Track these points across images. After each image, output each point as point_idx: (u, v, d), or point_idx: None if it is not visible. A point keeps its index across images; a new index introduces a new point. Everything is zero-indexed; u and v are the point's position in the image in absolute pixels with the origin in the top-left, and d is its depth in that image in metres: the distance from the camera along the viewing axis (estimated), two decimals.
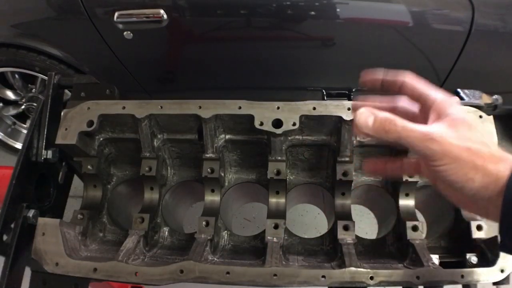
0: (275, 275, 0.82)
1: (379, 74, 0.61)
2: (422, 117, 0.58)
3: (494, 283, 0.83)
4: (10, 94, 2.37)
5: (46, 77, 1.17)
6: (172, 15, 1.75)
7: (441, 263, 0.87)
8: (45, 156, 1.01)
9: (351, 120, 0.93)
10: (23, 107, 2.40)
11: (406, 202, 1.01)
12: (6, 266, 0.87)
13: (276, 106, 0.95)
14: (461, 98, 0.98)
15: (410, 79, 0.59)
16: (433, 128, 0.52)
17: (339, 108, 0.94)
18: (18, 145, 2.52)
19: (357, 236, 0.95)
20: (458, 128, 0.52)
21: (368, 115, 0.54)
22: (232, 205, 1.22)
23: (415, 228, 0.92)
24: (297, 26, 1.81)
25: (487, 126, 0.90)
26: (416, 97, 0.59)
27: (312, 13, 1.74)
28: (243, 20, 1.80)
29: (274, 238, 0.93)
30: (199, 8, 1.78)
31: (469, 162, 0.50)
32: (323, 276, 0.81)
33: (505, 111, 2.36)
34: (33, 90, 2.35)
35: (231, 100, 0.97)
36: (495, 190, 0.49)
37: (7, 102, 2.44)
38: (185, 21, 1.82)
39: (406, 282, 0.81)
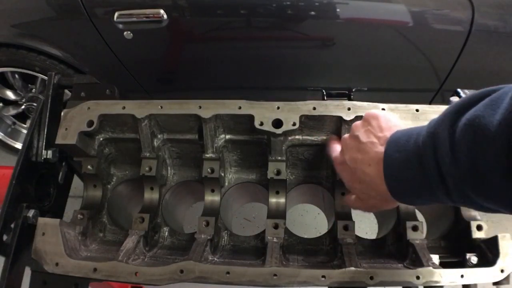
0: (275, 275, 0.82)
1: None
2: None
3: (494, 283, 0.83)
4: (10, 94, 2.37)
5: (46, 77, 1.17)
6: (172, 15, 1.75)
7: (441, 263, 0.87)
8: (45, 156, 1.01)
9: (351, 120, 0.93)
10: (23, 107, 2.40)
11: None
12: (6, 266, 0.87)
13: (276, 106, 0.95)
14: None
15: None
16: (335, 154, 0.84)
17: (339, 108, 0.94)
18: (18, 145, 2.52)
19: (357, 236, 0.95)
20: (343, 152, 0.78)
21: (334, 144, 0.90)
22: (232, 205, 1.22)
23: (415, 228, 0.92)
24: (297, 26, 1.81)
25: None
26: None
27: (312, 13, 1.74)
28: (243, 20, 1.80)
29: (274, 238, 0.93)
30: (199, 8, 1.78)
31: (354, 168, 0.72)
32: (323, 276, 0.81)
33: None
34: (33, 90, 2.34)
35: (231, 100, 0.97)
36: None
37: (7, 102, 2.44)
38: (185, 21, 1.82)
39: (406, 282, 0.81)
